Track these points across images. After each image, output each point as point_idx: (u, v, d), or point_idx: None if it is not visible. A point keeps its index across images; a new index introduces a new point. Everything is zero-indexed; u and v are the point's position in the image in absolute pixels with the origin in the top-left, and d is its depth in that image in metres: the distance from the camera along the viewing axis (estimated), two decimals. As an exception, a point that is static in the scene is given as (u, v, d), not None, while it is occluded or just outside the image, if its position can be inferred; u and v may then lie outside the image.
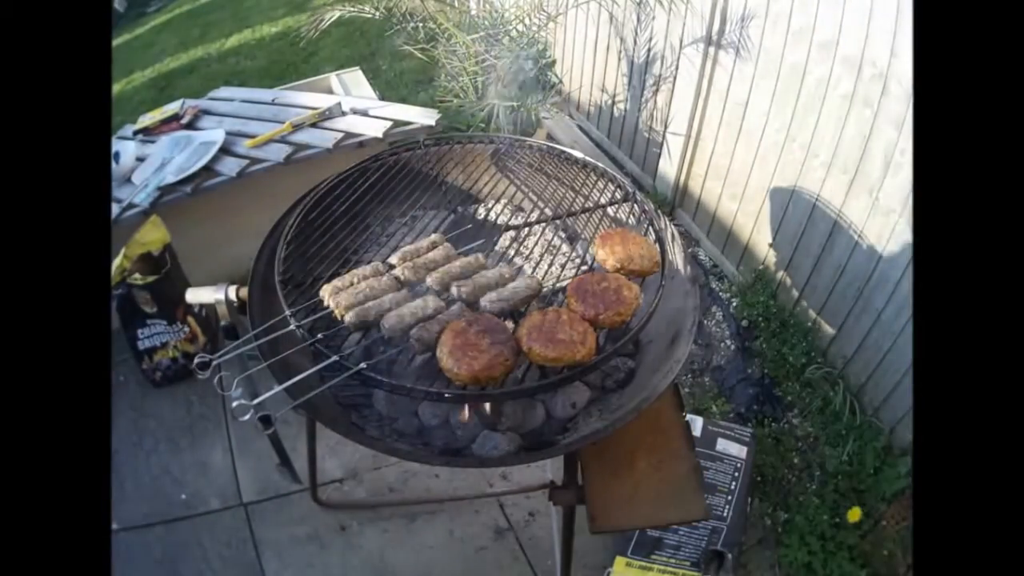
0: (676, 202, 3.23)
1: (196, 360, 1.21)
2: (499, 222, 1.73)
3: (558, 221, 1.71)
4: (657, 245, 1.52)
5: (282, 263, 1.41)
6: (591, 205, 1.70)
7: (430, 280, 1.37)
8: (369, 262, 1.44)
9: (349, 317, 1.26)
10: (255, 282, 1.52)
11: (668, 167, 3.18)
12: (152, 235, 2.39)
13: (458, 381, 1.21)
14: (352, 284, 1.34)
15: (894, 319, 2.14)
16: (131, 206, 2.41)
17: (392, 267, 1.42)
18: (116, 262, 2.34)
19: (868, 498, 2.17)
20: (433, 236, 1.51)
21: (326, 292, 1.32)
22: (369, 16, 3.02)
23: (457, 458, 1.45)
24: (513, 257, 1.62)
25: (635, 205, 1.67)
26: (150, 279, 2.38)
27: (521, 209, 1.84)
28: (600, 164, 1.80)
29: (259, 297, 1.50)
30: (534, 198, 1.77)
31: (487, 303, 1.32)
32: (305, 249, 1.49)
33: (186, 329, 2.52)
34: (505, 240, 1.65)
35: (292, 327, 1.27)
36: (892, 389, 2.21)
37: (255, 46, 5.24)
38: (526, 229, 1.68)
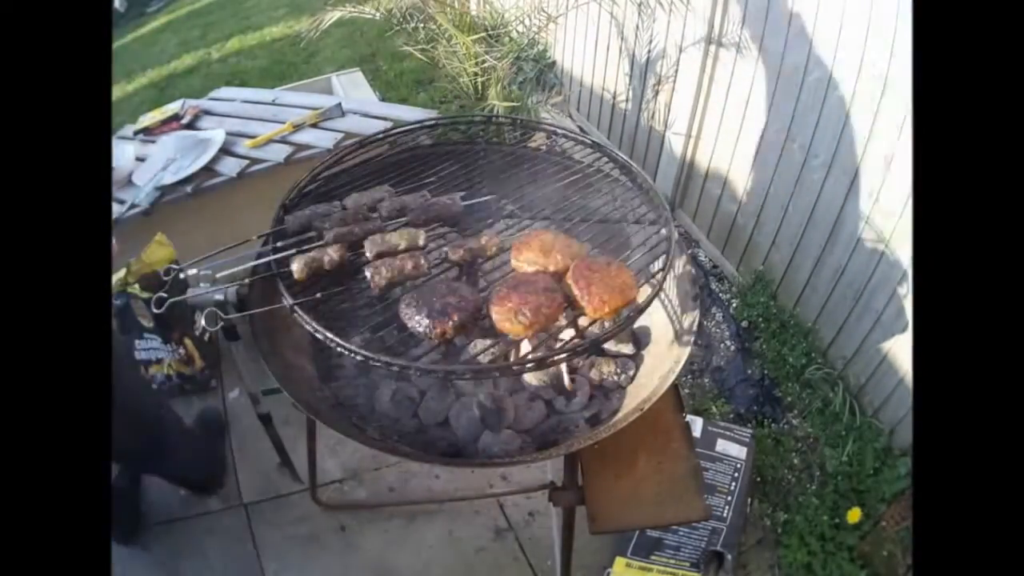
0: (676, 202, 3.23)
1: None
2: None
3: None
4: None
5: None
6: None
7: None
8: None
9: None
10: (255, 281, 1.52)
11: (668, 167, 3.18)
12: (157, 255, 2.35)
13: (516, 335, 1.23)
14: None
15: (894, 320, 2.14)
16: (132, 206, 2.41)
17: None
18: (120, 276, 2.30)
19: (868, 499, 2.17)
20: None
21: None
22: (369, 17, 3.02)
23: (458, 458, 1.45)
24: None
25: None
26: (146, 296, 2.32)
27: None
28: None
29: (259, 296, 1.50)
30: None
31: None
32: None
33: (181, 351, 2.45)
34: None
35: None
36: (892, 390, 2.21)
37: (256, 46, 5.24)
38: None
